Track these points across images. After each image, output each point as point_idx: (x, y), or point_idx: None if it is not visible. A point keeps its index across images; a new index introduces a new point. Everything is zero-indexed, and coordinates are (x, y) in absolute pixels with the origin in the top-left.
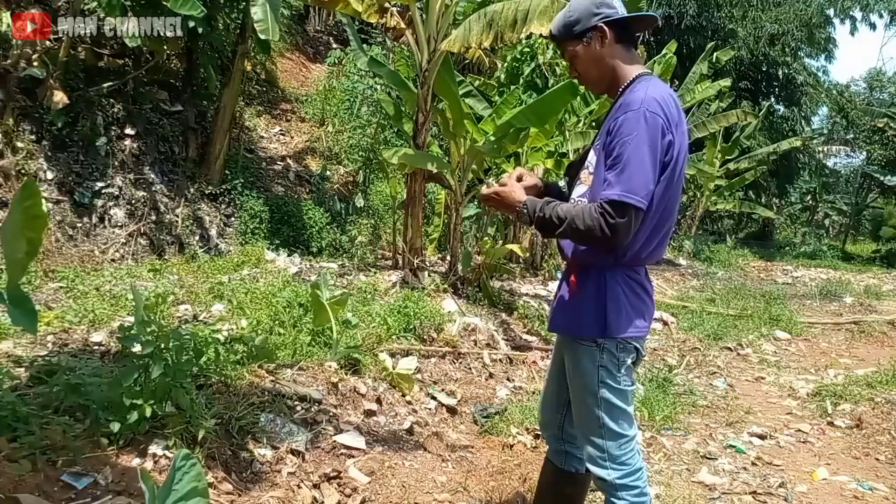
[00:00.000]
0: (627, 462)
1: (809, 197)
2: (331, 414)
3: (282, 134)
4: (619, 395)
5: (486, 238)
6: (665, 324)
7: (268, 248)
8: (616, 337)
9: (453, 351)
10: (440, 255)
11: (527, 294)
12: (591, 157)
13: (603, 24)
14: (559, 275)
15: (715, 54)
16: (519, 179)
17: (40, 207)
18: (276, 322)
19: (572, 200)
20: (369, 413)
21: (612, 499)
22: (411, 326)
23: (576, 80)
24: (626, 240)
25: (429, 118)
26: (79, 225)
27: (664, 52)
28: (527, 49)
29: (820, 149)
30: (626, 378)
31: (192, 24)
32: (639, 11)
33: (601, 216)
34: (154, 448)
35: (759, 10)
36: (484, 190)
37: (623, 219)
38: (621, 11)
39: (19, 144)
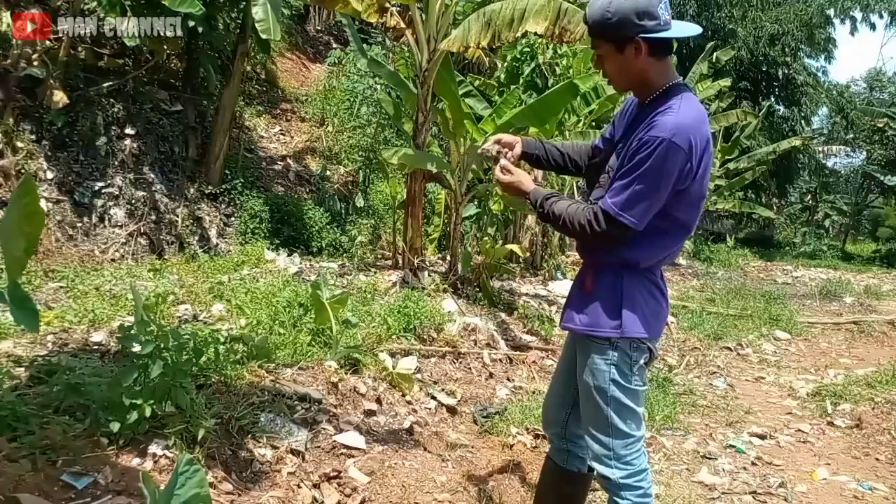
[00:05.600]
0: (633, 462)
1: (809, 197)
2: (331, 414)
3: (282, 134)
4: (630, 395)
5: (486, 238)
6: (665, 324)
7: (268, 248)
8: (630, 336)
9: (453, 351)
10: (440, 255)
11: (527, 294)
12: (613, 162)
13: (642, 38)
14: (559, 275)
15: (715, 54)
16: (498, 142)
17: (37, 204)
18: (276, 322)
19: (589, 200)
20: (369, 413)
21: (616, 498)
22: (411, 326)
23: (601, 74)
24: (611, 244)
25: (429, 118)
26: (79, 225)
27: None
28: (527, 49)
29: (820, 149)
30: (637, 378)
31: (191, 23)
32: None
33: (591, 221)
34: (154, 448)
35: (759, 10)
36: (497, 173)
37: (609, 229)
38: (664, 20)
39: (19, 144)
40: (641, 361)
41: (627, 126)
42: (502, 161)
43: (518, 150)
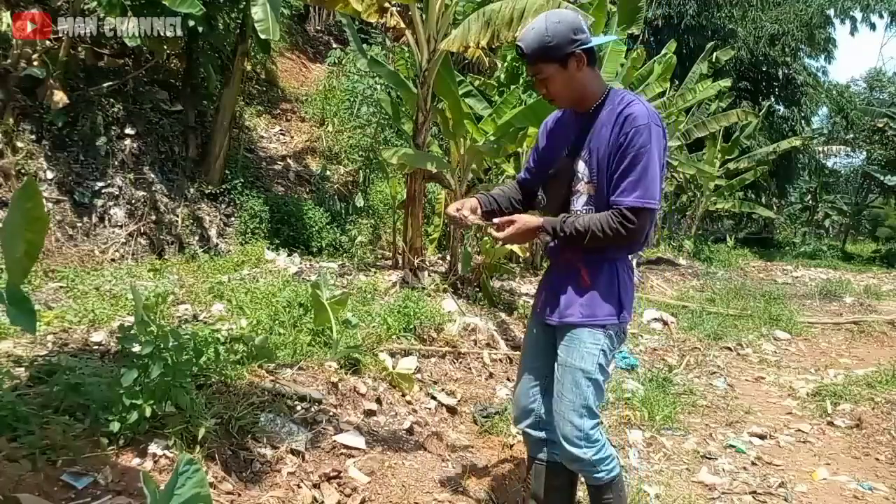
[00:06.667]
0: (598, 439)
1: (809, 197)
2: (331, 414)
3: (282, 134)
4: (606, 377)
5: (486, 238)
6: (665, 324)
7: (268, 248)
8: (623, 322)
9: (453, 351)
10: (440, 255)
11: (527, 294)
12: (582, 168)
13: (580, 51)
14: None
15: (715, 54)
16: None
17: (41, 209)
18: (276, 322)
19: (573, 211)
20: (369, 413)
21: (593, 475)
22: (411, 326)
23: (543, 96)
24: (643, 238)
25: (429, 118)
26: (79, 225)
27: (664, 51)
28: None
29: (820, 149)
30: (612, 360)
31: (191, 23)
32: (636, 13)
33: (621, 223)
34: (154, 448)
35: (759, 10)
36: (496, 234)
37: (641, 221)
38: (590, 34)
39: (19, 144)
40: (618, 344)
41: (578, 135)
42: (494, 220)
43: (479, 211)
